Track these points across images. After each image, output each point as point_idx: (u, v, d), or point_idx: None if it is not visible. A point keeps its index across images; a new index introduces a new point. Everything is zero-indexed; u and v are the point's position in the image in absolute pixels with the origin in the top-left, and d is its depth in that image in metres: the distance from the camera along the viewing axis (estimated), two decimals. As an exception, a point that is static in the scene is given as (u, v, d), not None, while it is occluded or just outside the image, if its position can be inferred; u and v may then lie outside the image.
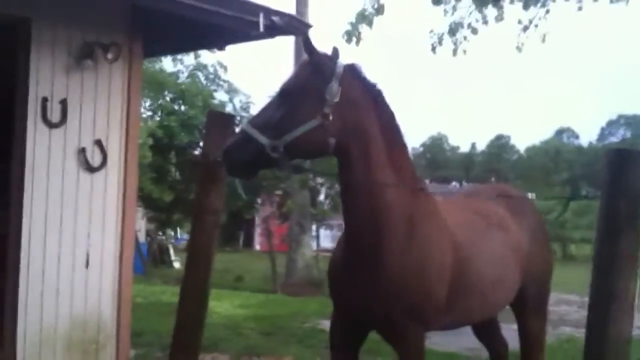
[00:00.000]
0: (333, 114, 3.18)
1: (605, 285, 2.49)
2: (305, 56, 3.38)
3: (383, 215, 3.34)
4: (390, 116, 3.48)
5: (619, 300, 2.45)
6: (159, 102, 21.96)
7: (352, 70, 3.37)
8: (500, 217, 4.32)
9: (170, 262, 24.34)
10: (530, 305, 4.57)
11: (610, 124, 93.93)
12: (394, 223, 3.37)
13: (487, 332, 5.06)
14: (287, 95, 3.25)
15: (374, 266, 3.39)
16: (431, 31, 10.18)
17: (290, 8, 19.45)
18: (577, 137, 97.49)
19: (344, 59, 3.37)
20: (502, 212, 4.39)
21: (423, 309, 3.47)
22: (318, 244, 21.59)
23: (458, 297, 3.67)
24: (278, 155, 3.14)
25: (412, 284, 3.40)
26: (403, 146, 3.56)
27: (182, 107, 22.30)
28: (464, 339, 9.54)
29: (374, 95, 3.42)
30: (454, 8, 9.73)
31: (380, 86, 3.47)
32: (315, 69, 3.28)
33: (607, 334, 2.44)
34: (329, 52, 3.35)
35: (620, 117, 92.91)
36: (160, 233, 25.95)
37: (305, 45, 3.33)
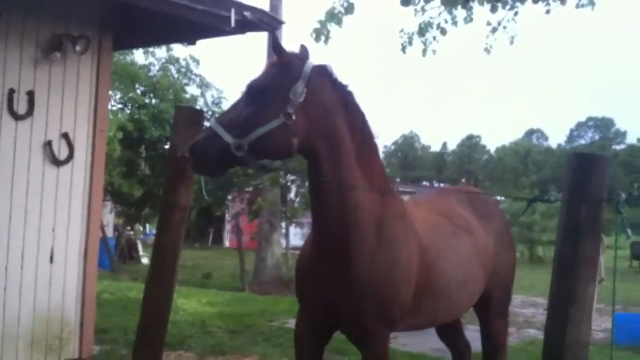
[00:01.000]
0: (297, 114, 3.15)
1: (565, 289, 2.50)
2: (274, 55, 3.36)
3: (351, 216, 3.33)
4: (360, 118, 3.45)
5: (578, 303, 2.47)
6: (130, 94, 21.68)
7: (321, 71, 3.34)
8: (467, 221, 4.33)
9: (139, 257, 24.12)
10: (495, 308, 4.62)
11: (579, 125, 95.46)
12: (362, 224, 3.36)
13: (450, 334, 5.10)
14: (254, 94, 3.23)
15: (343, 267, 3.37)
16: (401, 30, 10.23)
17: (264, 2, 19.39)
18: (546, 138, 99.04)
19: (320, 57, 3.38)
20: (469, 216, 4.41)
21: (391, 311, 3.46)
22: (288, 242, 21.51)
23: (423, 299, 3.68)
24: (242, 154, 3.11)
25: (381, 285, 3.38)
26: (373, 147, 3.53)
27: (153, 101, 22.07)
28: (431, 340, 9.59)
29: (343, 97, 3.38)
30: (423, 9, 9.80)
31: (350, 87, 3.44)
32: (282, 68, 3.25)
33: (566, 337, 2.46)
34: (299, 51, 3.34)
35: (588, 119, 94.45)
36: (128, 228, 25.70)
37: (273, 45, 3.32)
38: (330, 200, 3.31)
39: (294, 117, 3.14)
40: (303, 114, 3.18)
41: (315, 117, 3.23)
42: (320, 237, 3.45)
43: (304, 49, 3.34)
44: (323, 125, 3.25)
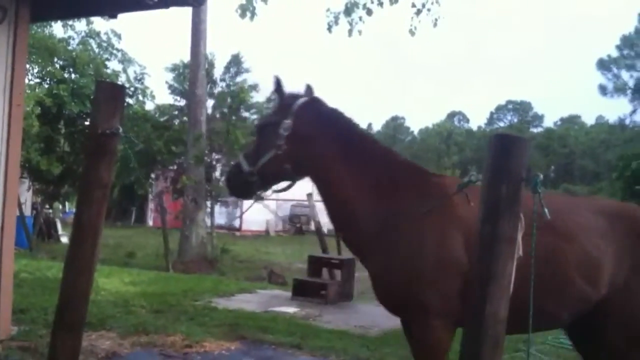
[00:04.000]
0: (286, 144, 3.82)
1: (485, 266, 2.56)
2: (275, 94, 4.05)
3: (352, 224, 3.81)
4: (347, 134, 3.90)
5: (497, 280, 2.53)
6: (48, 69, 20.97)
7: (307, 105, 3.91)
8: (576, 228, 3.77)
9: (58, 236, 23.54)
10: (614, 342, 3.83)
11: (499, 108, 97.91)
12: (364, 228, 3.76)
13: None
14: (260, 130, 4.01)
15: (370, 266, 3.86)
16: (328, 10, 10.22)
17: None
18: (467, 120, 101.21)
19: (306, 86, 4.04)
20: (600, 224, 3.82)
21: (420, 302, 3.61)
22: (213, 222, 21.37)
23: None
24: (254, 179, 3.90)
25: (393, 284, 3.69)
26: (367, 160, 3.85)
27: (73, 76, 21.42)
28: (354, 318, 9.78)
29: (326, 124, 3.89)
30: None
31: (337, 111, 3.96)
32: (278, 108, 3.96)
33: (485, 312, 2.52)
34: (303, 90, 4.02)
35: (508, 102, 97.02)
36: (47, 206, 24.98)
37: (275, 87, 3.98)
38: (333, 210, 3.89)
39: (284, 146, 3.82)
40: (290, 144, 3.83)
41: (300, 146, 3.83)
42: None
43: (308, 88, 4.02)
44: (309, 152, 3.84)
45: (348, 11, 10.10)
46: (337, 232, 4.02)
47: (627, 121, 50.03)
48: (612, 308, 3.75)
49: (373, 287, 3.86)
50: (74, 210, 5.12)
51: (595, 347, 3.96)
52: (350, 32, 10.24)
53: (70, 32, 22.58)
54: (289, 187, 4.07)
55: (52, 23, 20.40)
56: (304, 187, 5.47)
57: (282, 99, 3.98)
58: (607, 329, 3.79)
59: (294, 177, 3.97)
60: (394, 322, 5.14)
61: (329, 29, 10.32)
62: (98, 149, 3.68)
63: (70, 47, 22.27)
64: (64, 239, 22.05)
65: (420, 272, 3.59)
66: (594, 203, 4.16)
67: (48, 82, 21.04)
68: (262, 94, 35.48)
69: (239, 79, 41.63)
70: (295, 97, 3.94)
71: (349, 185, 3.78)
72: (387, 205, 3.75)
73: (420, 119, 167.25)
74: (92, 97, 5.19)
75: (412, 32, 10.84)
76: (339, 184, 3.80)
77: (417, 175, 3.89)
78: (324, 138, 3.84)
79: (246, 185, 3.97)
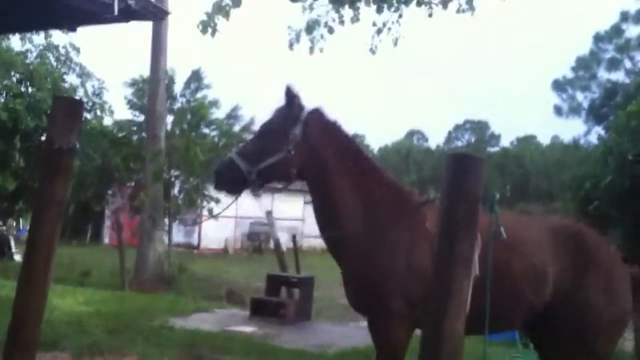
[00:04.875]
0: (295, 150, 4.11)
1: (442, 284, 2.59)
2: (281, 102, 4.26)
3: (339, 222, 4.16)
4: (346, 148, 4.28)
5: (454, 299, 2.56)
6: (4, 82, 20.66)
7: (314, 116, 4.24)
8: (521, 241, 4.21)
9: (11, 254, 23.02)
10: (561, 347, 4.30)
11: (457, 128, 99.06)
12: (348, 227, 4.13)
13: None
14: (264, 134, 4.26)
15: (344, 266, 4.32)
16: (289, 27, 10.23)
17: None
18: (426, 139, 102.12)
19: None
20: (548, 241, 4.29)
21: (384, 301, 4.06)
22: (170, 239, 21.12)
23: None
24: (252, 178, 4.10)
25: (366, 279, 4.13)
26: (364, 172, 4.25)
27: (30, 89, 21.12)
28: (312, 337, 9.74)
29: (331, 136, 4.26)
30: (311, 6, 9.86)
31: (337, 124, 4.31)
32: (286, 114, 4.20)
33: (443, 329, 2.54)
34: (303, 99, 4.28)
35: (466, 122, 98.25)
36: (0, 223, 24.45)
37: (287, 96, 4.21)
38: (326, 216, 4.22)
39: (292, 152, 4.11)
40: (299, 149, 4.13)
41: (307, 152, 4.15)
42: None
43: (289, 90, 4.22)
44: (313, 159, 4.17)
45: (309, 29, 10.12)
46: (325, 238, 4.25)
47: (582, 141, 51.00)
48: (557, 312, 4.22)
49: (345, 289, 4.28)
50: (28, 227, 5.01)
51: (549, 350, 4.44)
52: (311, 50, 10.25)
53: (28, 45, 22.31)
54: (285, 187, 4.47)
55: (10, 36, 20.10)
56: (263, 205, 5.52)
57: (291, 106, 4.21)
58: (555, 331, 4.28)
59: (292, 180, 4.29)
60: (352, 341, 5.15)
61: (291, 46, 10.32)
62: (53, 165, 3.62)
63: (27, 61, 21.97)
64: (18, 257, 21.58)
65: (388, 276, 4.02)
66: (544, 221, 4.72)
67: (4, 96, 20.72)
68: (222, 110, 35.30)
69: (199, 94, 41.37)
70: (301, 106, 4.24)
71: (345, 196, 4.14)
72: (371, 215, 4.14)
73: (380, 137, 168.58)
74: (49, 111, 5.07)
75: (372, 51, 10.90)
76: (337, 194, 4.14)
77: (398, 192, 4.32)
78: (328, 149, 4.19)
79: (241, 182, 4.16)
